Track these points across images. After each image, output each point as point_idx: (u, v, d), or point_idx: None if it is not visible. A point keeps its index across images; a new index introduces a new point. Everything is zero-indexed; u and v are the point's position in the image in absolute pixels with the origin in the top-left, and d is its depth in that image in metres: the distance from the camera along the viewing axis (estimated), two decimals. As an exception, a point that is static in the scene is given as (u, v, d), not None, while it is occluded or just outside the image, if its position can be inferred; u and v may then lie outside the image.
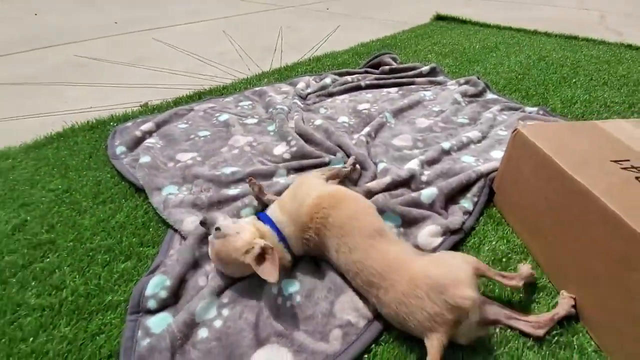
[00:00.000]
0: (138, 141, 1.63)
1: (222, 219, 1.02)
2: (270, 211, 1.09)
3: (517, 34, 3.40)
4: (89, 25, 3.61)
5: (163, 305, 0.95)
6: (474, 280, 0.84)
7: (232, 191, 1.30)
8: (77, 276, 1.04)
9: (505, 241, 1.16)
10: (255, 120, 1.82)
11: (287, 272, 1.03)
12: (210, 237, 1.00)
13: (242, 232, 0.97)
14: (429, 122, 1.79)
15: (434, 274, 0.84)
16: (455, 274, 0.84)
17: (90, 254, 1.11)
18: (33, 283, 1.02)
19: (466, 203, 1.27)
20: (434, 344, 0.78)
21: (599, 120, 1.22)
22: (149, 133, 1.69)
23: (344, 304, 0.95)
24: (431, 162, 1.47)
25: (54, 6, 4.27)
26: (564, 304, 0.93)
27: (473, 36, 3.32)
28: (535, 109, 1.91)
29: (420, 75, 2.33)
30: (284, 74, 2.44)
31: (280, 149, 1.58)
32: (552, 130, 1.18)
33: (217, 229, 0.98)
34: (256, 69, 2.56)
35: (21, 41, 3.06)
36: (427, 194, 1.26)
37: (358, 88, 2.19)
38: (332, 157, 1.50)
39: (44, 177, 1.44)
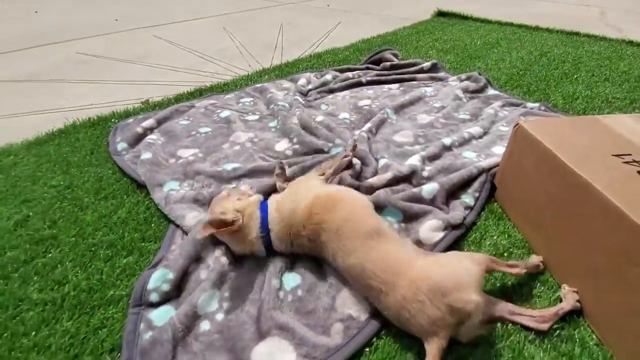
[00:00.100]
0: (139, 137, 1.63)
1: (245, 187, 1.23)
2: (269, 202, 1.09)
3: (519, 30, 3.38)
4: (89, 22, 3.60)
5: (165, 298, 0.95)
6: (479, 282, 0.82)
7: (234, 187, 1.30)
8: (79, 271, 1.04)
9: (506, 236, 1.16)
10: (257, 117, 1.82)
11: (286, 266, 1.04)
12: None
13: (236, 204, 1.06)
14: (430, 118, 1.79)
15: (436, 275, 0.82)
16: (459, 276, 0.82)
17: (92, 249, 1.12)
18: (35, 278, 1.02)
19: (467, 198, 1.27)
20: (433, 347, 0.78)
21: (600, 115, 1.21)
22: (150, 129, 1.69)
23: (345, 298, 0.96)
24: (432, 158, 1.47)
25: (54, 5, 4.27)
26: (569, 298, 0.93)
27: (474, 32, 3.31)
28: (536, 104, 1.91)
29: (422, 71, 2.33)
30: (285, 71, 2.43)
31: (282, 145, 1.58)
32: (553, 125, 1.18)
33: (234, 187, 1.22)
34: (257, 66, 2.56)
35: (22, 39, 3.06)
36: (428, 189, 1.26)
37: (359, 84, 2.19)
38: (331, 145, 1.52)
39: (46, 173, 1.44)
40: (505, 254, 1.10)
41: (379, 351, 0.86)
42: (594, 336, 0.89)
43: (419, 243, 1.11)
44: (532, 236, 1.13)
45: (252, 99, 2.01)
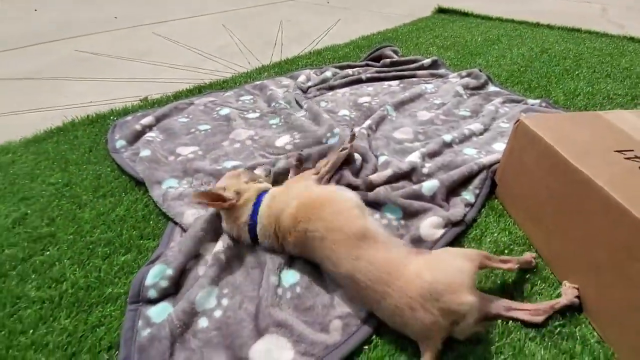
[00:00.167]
0: (138, 135, 1.62)
1: (260, 170, 1.32)
2: (267, 195, 1.09)
3: (519, 27, 3.36)
4: (89, 20, 3.60)
5: (164, 295, 0.94)
6: (472, 281, 0.81)
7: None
8: (77, 269, 1.04)
9: (507, 233, 1.15)
10: (257, 115, 1.81)
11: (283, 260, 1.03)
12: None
13: (241, 186, 1.10)
14: (431, 115, 1.78)
15: (427, 279, 0.80)
16: (451, 277, 0.80)
17: (90, 247, 1.11)
18: (33, 276, 1.02)
19: (468, 195, 1.27)
20: (428, 350, 0.78)
21: (602, 111, 1.20)
22: (149, 127, 1.68)
23: (344, 295, 0.95)
24: (432, 155, 1.46)
25: (53, 4, 4.26)
26: (567, 293, 0.92)
27: (475, 29, 3.29)
28: (537, 101, 1.90)
29: (422, 68, 2.31)
30: (285, 68, 2.42)
31: (282, 141, 1.57)
32: (554, 121, 1.17)
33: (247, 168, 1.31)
34: (256, 63, 2.55)
35: (21, 37, 3.05)
36: (429, 186, 1.25)
37: (359, 81, 2.18)
38: (329, 135, 1.53)
39: (44, 171, 1.44)
40: (506, 251, 1.09)
41: (378, 349, 0.85)
42: (595, 333, 0.88)
43: (419, 240, 1.11)
44: (533, 232, 1.12)
45: (251, 96, 2.00)
